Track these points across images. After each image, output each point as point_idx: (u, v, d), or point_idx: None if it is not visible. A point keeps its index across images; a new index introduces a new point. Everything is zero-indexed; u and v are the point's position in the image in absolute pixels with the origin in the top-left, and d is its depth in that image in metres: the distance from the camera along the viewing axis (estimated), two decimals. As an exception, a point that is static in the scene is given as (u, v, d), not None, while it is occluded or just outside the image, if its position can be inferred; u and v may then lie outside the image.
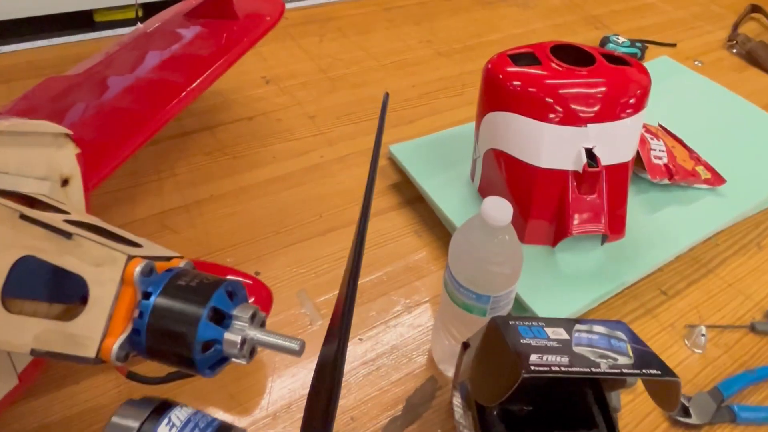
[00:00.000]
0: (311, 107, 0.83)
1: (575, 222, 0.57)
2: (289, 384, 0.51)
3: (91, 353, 0.26)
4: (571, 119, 0.55)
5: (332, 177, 0.72)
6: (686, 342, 0.56)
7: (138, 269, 0.27)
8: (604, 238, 0.60)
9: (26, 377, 0.38)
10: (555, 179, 0.57)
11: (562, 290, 0.56)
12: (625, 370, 0.35)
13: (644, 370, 0.35)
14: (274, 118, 0.80)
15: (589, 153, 0.56)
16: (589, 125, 0.55)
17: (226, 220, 0.65)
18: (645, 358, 0.36)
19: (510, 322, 0.40)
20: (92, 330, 0.27)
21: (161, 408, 0.25)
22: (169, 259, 0.29)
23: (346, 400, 0.50)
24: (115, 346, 0.26)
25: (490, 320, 0.40)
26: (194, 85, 0.52)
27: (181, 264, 0.29)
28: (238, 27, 0.62)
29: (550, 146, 0.56)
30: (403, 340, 0.55)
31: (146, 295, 0.27)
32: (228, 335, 0.26)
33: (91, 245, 0.27)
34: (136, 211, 0.65)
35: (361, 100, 0.85)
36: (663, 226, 0.64)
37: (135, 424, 0.25)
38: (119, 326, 0.27)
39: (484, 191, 0.65)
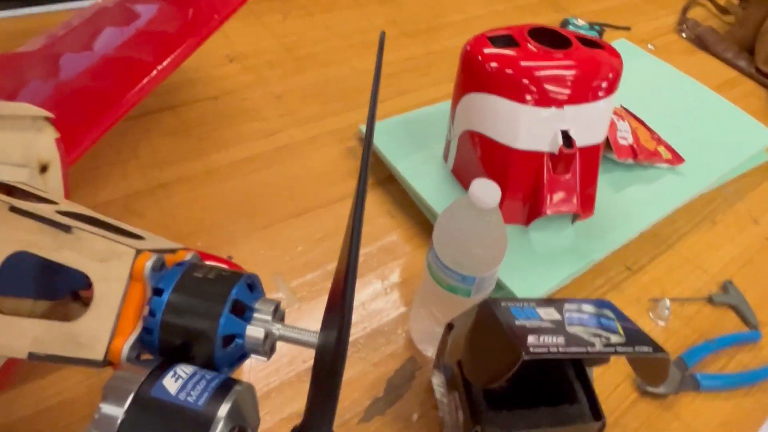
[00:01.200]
0: (278, 87, 0.81)
1: (550, 202, 0.58)
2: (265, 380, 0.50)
3: (99, 355, 0.25)
4: (549, 101, 0.56)
5: (303, 158, 0.71)
6: (650, 315, 0.59)
7: (149, 264, 0.25)
8: (575, 217, 0.62)
9: (3, 376, 0.36)
10: (530, 160, 0.58)
11: (537, 268, 0.58)
12: (618, 349, 0.36)
13: (636, 348, 0.36)
14: (239, 97, 0.77)
15: (565, 135, 0.57)
16: (566, 107, 0.56)
17: (195, 203, 0.63)
18: (635, 335, 0.38)
19: (502, 304, 0.41)
20: (99, 330, 0.25)
21: (163, 365, 0.24)
22: (174, 251, 0.28)
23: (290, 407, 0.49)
24: (126, 347, 0.25)
25: (482, 302, 0.41)
26: (166, 63, 0.50)
27: (188, 256, 0.27)
28: (205, 2, 0.59)
29: (527, 128, 0.57)
30: (380, 321, 0.55)
31: (158, 292, 0.25)
32: (251, 329, 0.25)
33: (93, 239, 0.26)
34: (98, 194, 0.62)
35: (328, 80, 0.84)
36: (628, 204, 0.67)
37: (138, 378, 0.23)
38: (128, 325, 0.25)
39: (458, 172, 0.66)
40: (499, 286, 0.56)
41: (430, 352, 0.53)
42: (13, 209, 0.26)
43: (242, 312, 0.26)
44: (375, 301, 0.57)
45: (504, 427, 0.41)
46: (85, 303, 0.28)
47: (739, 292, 0.61)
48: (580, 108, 0.57)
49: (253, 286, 0.27)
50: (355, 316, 0.55)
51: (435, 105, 0.77)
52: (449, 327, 0.47)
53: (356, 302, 0.57)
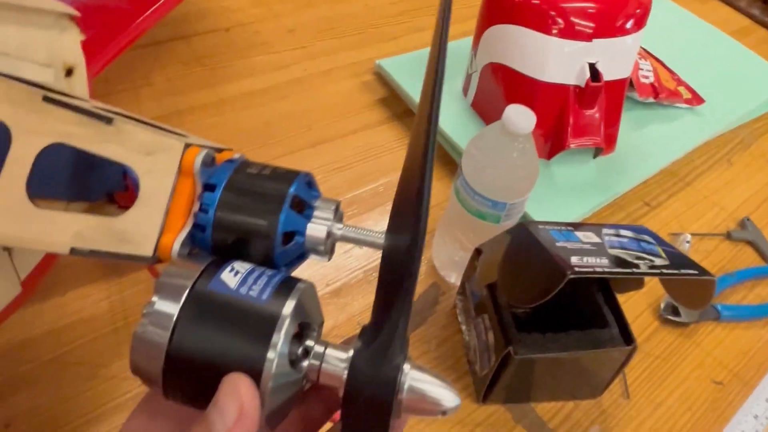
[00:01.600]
0: (289, 20, 0.78)
1: (574, 135, 0.57)
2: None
3: (148, 251, 0.24)
4: (577, 33, 0.54)
5: (317, 90, 0.69)
6: (670, 249, 0.59)
7: (199, 158, 0.24)
8: (597, 152, 0.61)
9: (29, 285, 0.36)
10: (556, 93, 0.57)
11: (560, 200, 0.57)
12: (664, 271, 0.36)
13: (682, 271, 0.36)
14: (251, 30, 0.75)
15: (592, 68, 0.56)
16: (594, 40, 0.55)
17: (209, 131, 0.61)
18: (678, 259, 0.38)
19: (539, 226, 0.40)
20: (146, 226, 0.24)
21: (217, 262, 0.22)
22: (220, 150, 0.26)
23: (351, 307, 0.50)
24: (177, 244, 0.23)
25: (519, 225, 0.41)
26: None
27: (236, 156, 0.26)
28: None
29: (555, 60, 0.55)
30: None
31: (209, 187, 0.24)
32: (312, 227, 0.24)
33: (137, 131, 0.24)
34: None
35: (340, 15, 0.81)
36: (648, 142, 0.66)
37: (193, 273, 0.21)
38: (178, 221, 0.24)
39: (478, 106, 0.64)
40: (523, 216, 0.56)
41: (453, 278, 0.53)
42: (48, 99, 0.24)
43: (301, 210, 0.24)
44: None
45: (535, 349, 0.42)
46: (121, 206, 0.27)
47: (757, 228, 0.61)
48: (609, 42, 0.56)
49: (311, 184, 0.25)
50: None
51: (453, 42, 0.75)
52: (478, 252, 0.47)
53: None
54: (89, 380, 0.43)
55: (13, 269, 0.34)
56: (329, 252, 0.25)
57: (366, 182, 0.60)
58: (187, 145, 0.25)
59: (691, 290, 0.38)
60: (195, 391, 0.20)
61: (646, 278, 0.46)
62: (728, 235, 0.61)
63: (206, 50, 0.70)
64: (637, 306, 0.53)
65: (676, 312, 0.52)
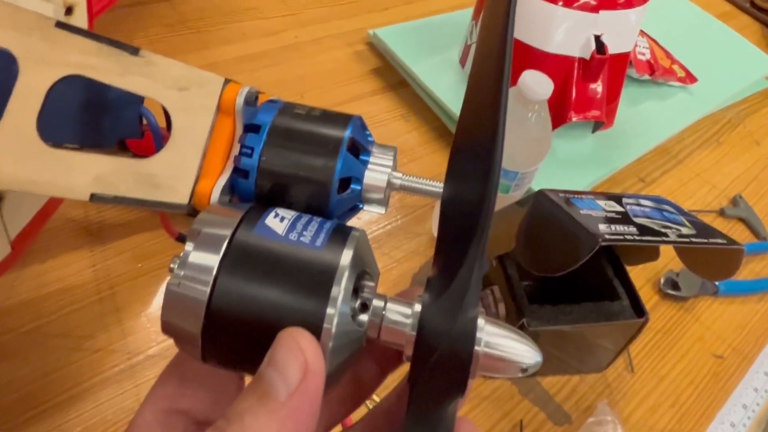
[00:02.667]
0: (278, -16, 0.74)
1: (577, 108, 0.57)
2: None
3: (183, 198, 0.21)
4: (583, 5, 0.53)
5: (310, 58, 0.67)
6: (666, 226, 0.60)
7: (242, 95, 0.21)
8: (596, 127, 0.61)
9: (19, 246, 0.33)
10: (561, 65, 0.56)
11: (560, 174, 0.57)
12: (693, 240, 0.35)
13: (710, 240, 0.36)
14: (238, -7, 0.71)
15: (598, 40, 0.55)
16: (600, 12, 0.54)
17: (199, 100, 0.58)
18: (704, 228, 0.37)
19: (560, 194, 0.39)
20: (181, 170, 0.21)
21: (257, 208, 0.19)
22: (257, 92, 0.24)
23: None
24: (216, 190, 0.21)
25: (539, 193, 0.40)
26: None
27: (276, 98, 0.23)
28: None
29: (561, 31, 0.54)
30: (400, 221, 0.53)
31: (254, 128, 0.21)
32: (371, 174, 0.21)
33: (168, 63, 0.22)
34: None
35: (332, -19, 0.78)
36: (643, 118, 0.66)
37: (233, 218, 0.18)
38: (216, 166, 0.21)
39: (479, 77, 0.63)
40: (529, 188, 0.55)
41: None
42: (62, 25, 0.21)
43: (357, 155, 0.21)
44: (392, 199, 0.55)
45: (548, 320, 0.41)
46: (136, 154, 0.24)
47: (748, 205, 0.62)
48: (614, 14, 0.55)
49: (365, 128, 0.22)
50: (373, 215, 0.53)
51: (448, 14, 0.74)
52: (487, 223, 0.45)
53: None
54: (73, 353, 0.40)
55: (2, 227, 0.31)
56: (385, 202, 0.22)
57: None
58: (228, 80, 0.22)
59: (715, 260, 0.38)
60: (240, 352, 0.18)
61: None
62: (721, 212, 0.62)
63: (191, 13, 0.66)
64: (637, 281, 0.53)
65: (675, 286, 0.52)
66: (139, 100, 0.27)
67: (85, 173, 0.21)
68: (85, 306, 0.42)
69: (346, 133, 0.21)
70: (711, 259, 0.38)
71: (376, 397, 0.38)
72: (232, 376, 0.21)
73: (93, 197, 0.21)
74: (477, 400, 0.43)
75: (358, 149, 0.22)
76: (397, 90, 0.66)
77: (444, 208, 0.21)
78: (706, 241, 0.35)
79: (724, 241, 0.36)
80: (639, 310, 0.42)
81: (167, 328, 0.18)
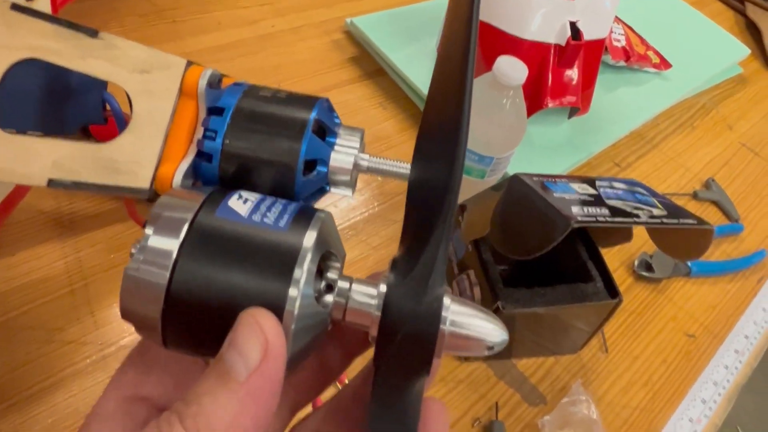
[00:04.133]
0: (253, -28, 0.74)
1: (552, 94, 0.57)
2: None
3: (144, 183, 0.21)
4: (559, -13, 0.54)
5: (287, 48, 0.66)
6: (640, 210, 0.60)
7: (204, 77, 0.21)
8: (572, 113, 0.61)
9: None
10: (537, 52, 0.56)
11: (536, 160, 0.57)
12: (665, 221, 0.36)
13: (681, 220, 0.36)
14: (213, -19, 0.70)
15: (573, 26, 0.55)
16: (575, -1, 0.54)
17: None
18: (675, 209, 0.38)
19: (534, 178, 0.39)
20: (141, 154, 0.21)
21: (221, 191, 0.19)
22: (222, 76, 0.24)
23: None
24: (178, 174, 0.20)
25: (513, 177, 0.40)
26: None
27: (242, 81, 0.23)
28: None
29: (538, 17, 0.55)
30: (377, 208, 0.54)
31: (217, 111, 0.21)
32: (336, 157, 0.21)
33: (129, 46, 0.22)
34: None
35: (308, -31, 0.77)
36: (618, 104, 0.67)
37: (195, 200, 0.18)
38: (179, 150, 0.21)
39: (455, 64, 0.63)
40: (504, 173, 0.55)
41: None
42: (18, 7, 0.21)
43: (323, 137, 0.22)
44: (370, 186, 0.55)
45: (523, 303, 0.41)
46: (99, 140, 0.24)
47: (721, 188, 0.63)
48: (590, 1, 0.56)
49: (332, 109, 0.22)
50: (351, 202, 0.53)
51: (426, 2, 0.74)
52: (462, 208, 0.46)
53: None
54: (43, 345, 0.39)
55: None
56: (353, 185, 0.22)
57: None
58: (190, 63, 0.22)
59: (686, 241, 0.38)
60: (202, 336, 0.17)
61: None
62: (694, 195, 0.63)
63: (166, 3, 0.66)
64: (611, 263, 0.54)
65: (649, 268, 0.53)
66: (102, 84, 0.27)
67: (43, 159, 0.21)
68: (57, 298, 0.42)
69: (312, 115, 0.21)
70: (682, 240, 0.39)
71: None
72: (197, 362, 0.21)
73: (51, 183, 0.21)
74: (453, 383, 0.44)
75: (325, 131, 0.22)
76: (375, 78, 0.66)
77: (411, 189, 0.21)
78: (677, 221, 0.36)
79: (695, 222, 0.36)
80: (613, 291, 0.43)
81: (127, 314, 0.18)
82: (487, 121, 0.44)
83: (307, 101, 0.21)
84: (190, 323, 0.17)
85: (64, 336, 0.40)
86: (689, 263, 0.54)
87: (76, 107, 0.26)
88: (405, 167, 0.22)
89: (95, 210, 0.47)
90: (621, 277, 0.53)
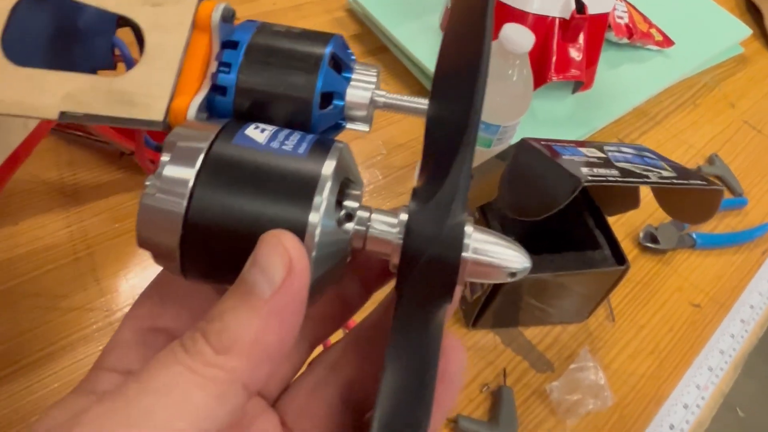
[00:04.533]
0: (253, -51, 0.73)
1: (557, 68, 0.57)
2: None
3: (158, 115, 0.20)
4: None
5: (289, 24, 0.66)
6: (644, 184, 0.60)
7: (218, 11, 0.20)
8: (576, 88, 0.61)
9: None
10: (541, 25, 0.56)
11: (541, 133, 0.56)
12: (675, 181, 0.36)
13: (691, 182, 0.36)
14: (212, -45, 0.70)
15: (577, 0, 0.55)
16: (580, -31, 0.54)
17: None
18: (684, 171, 0.38)
19: (542, 142, 0.39)
20: (155, 86, 0.20)
21: (238, 123, 0.19)
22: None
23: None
24: (193, 107, 0.20)
25: (522, 141, 0.40)
26: None
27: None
28: None
29: (540, -11, 0.55)
30: (384, 179, 0.53)
31: (232, 44, 0.20)
32: (353, 91, 0.21)
33: (139, -22, 0.21)
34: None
35: (308, -54, 0.76)
36: (622, 81, 0.67)
37: (209, 133, 0.18)
38: (193, 84, 0.21)
39: (458, 39, 0.63)
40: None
41: (437, 208, 0.52)
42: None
43: (339, 72, 0.21)
44: (375, 158, 0.55)
45: (531, 269, 0.41)
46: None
47: (724, 164, 0.63)
48: (592, -28, 0.55)
49: (347, 46, 0.22)
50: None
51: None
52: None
53: (357, 162, 0.54)
54: (48, 312, 0.39)
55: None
56: (369, 120, 0.22)
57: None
58: None
59: (694, 203, 0.38)
60: (222, 264, 0.17)
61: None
62: (699, 170, 0.63)
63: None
64: (617, 235, 0.54)
65: (654, 240, 0.53)
66: (111, 29, 0.26)
67: (55, 91, 0.21)
68: (61, 266, 0.41)
69: (328, 49, 0.20)
70: (690, 202, 0.38)
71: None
72: (214, 298, 0.21)
73: (63, 115, 0.21)
74: (461, 351, 0.43)
75: (341, 66, 0.21)
76: (378, 55, 0.66)
77: (429, 124, 0.20)
78: (686, 182, 0.36)
79: (704, 183, 0.36)
80: (620, 258, 0.43)
81: (144, 243, 0.17)
82: (494, 89, 0.44)
83: (322, 36, 0.21)
84: (210, 251, 0.17)
85: (69, 303, 0.40)
86: (694, 235, 0.54)
87: (85, 51, 0.25)
88: (423, 102, 0.22)
89: (99, 180, 0.46)
90: (626, 249, 0.52)
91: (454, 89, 0.19)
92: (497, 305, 0.43)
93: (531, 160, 0.38)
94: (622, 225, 0.55)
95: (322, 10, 0.69)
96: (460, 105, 0.18)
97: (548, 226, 0.46)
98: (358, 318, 0.22)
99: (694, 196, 0.39)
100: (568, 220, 0.46)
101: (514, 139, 0.54)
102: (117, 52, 0.27)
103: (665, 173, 0.37)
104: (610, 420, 0.41)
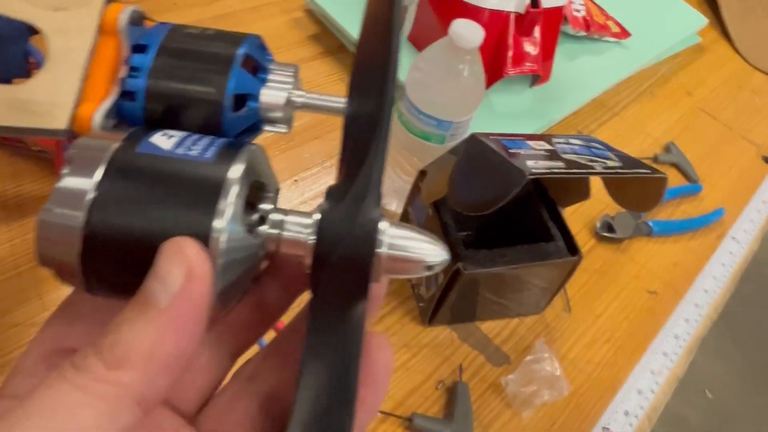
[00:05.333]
0: (208, -49, 0.72)
1: (513, 62, 0.57)
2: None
3: (61, 123, 0.19)
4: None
5: (245, 28, 0.65)
6: (603, 175, 0.61)
7: (124, 15, 0.20)
8: (534, 81, 0.61)
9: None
10: (496, 20, 0.56)
11: (499, 128, 0.56)
12: (619, 171, 0.36)
13: (635, 170, 0.36)
14: (166, -39, 0.69)
15: (532, -8, 0.56)
16: (533, -36, 0.55)
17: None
18: (629, 160, 0.38)
19: (491, 137, 0.39)
20: (58, 93, 0.20)
21: (144, 130, 0.19)
22: (150, 19, 0.23)
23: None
24: (98, 114, 0.19)
25: (471, 136, 0.40)
26: None
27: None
28: None
29: (495, -15, 0.55)
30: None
31: (140, 48, 0.20)
32: (267, 92, 0.21)
33: (44, -16, 0.21)
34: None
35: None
36: (580, 73, 0.67)
37: (112, 143, 0.17)
38: (100, 89, 0.20)
39: (416, 38, 0.63)
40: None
41: (393, 206, 0.52)
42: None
43: (254, 73, 0.21)
44: (333, 159, 0.55)
45: (484, 264, 0.41)
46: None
47: (680, 151, 0.64)
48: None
49: (264, 48, 0.22)
50: (313, 174, 0.53)
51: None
52: (422, 173, 0.46)
53: (313, 162, 0.54)
54: (-13, 328, 0.38)
55: None
56: (288, 122, 0.22)
57: (299, 116, 0.57)
58: (109, 0, 0.21)
59: (641, 191, 0.39)
60: (127, 277, 0.16)
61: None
62: (655, 158, 0.63)
63: (118, -20, 0.64)
64: (574, 226, 0.54)
65: (611, 229, 0.54)
66: (24, 36, 0.26)
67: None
68: (2, 281, 0.41)
69: (240, 50, 0.20)
70: (637, 190, 0.39)
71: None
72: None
73: None
74: (417, 348, 0.44)
75: (256, 67, 0.21)
76: (336, 55, 0.66)
77: (346, 123, 0.20)
78: (631, 171, 0.36)
79: (649, 171, 0.37)
80: (573, 249, 0.43)
81: (45, 261, 0.17)
82: (446, 85, 0.44)
83: (236, 37, 0.21)
84: (113, 264, 0.17)
85: (11, 319, 0.39)
86: (650, 223, 0.55)
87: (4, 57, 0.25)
88: (341, 101, 0.22)
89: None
90: (584, 239, 0.54)
91: (368, 85, 0.19)
92: (453, 301, 0.43)
93: (479, 155, 0.39)
94: (580, 215, 0.55)
95: (280, 11, 0.69)
96: (373, 100, 0.18)
97: (503, 219, 0.46)
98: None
99: (640, 184, 0.39)
100: (523, 213, 0.47)
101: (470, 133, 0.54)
102: (32, 60, 0.27)
103: (611, 163, 0.38)
104: (566, 409, 0.42)
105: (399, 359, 0.42)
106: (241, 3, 0.68)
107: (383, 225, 0.17)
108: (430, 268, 0.18)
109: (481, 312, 0.46)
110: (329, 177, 0.53)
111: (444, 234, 0.43)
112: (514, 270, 0.42)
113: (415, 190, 0.47)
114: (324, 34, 0.67)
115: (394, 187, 0.51)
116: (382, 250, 0.17)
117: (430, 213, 0.45)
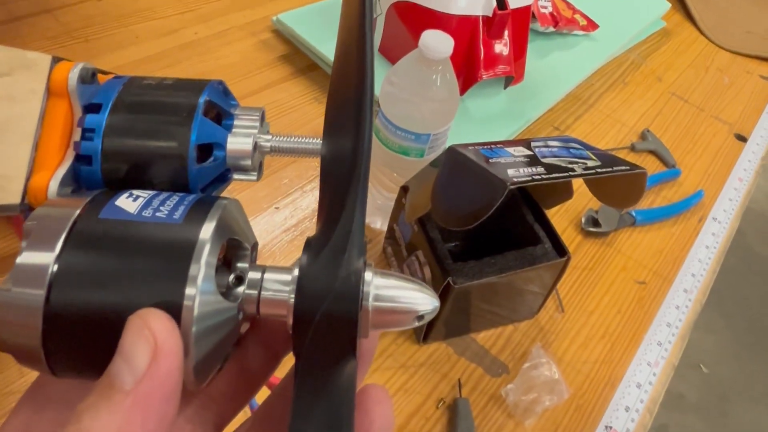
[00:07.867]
0: (169, -19, 0.72)
1: (485, 66, 0.57)
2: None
3: (14, 198, 0.19)
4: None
5: (212, 53, 0.65)
6: (583, 169, 0.61)
7: (74, 73, 0.19)
8: (507, 83, 0.62)
9: None
10: (465, 26, 0.57)
11: (477, 132, 0.57)
12: (599, 170, 0.36)
13: (615, 168, 0.37)
14: (128, -5, 0.68)
15: (499, -5, 0.56)
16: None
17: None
18: (608, 159, 0.38)
19: (469, 148, 0.39)
20: (8, 166, 0.19)
21: (108, 193, 0.18)
22: (105, 73, 0.22)
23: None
24: (54, 183, 0.19)
25: (449, 149, 0.40)
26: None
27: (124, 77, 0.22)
28: None
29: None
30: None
31: (93, 108, 0.19)
32: (234, 139, 0.20)
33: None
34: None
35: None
36: (552, 69, 0.68)
37: (74, 207, 0.16)
38: (54, 156, 0.19)
39: (386, 49, 0.63)
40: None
41: (378, 224, 0.52)
42: None
43: (219, 121, 0.20)
44: (313, 182, 0.54)
45: (474, 275, 0.42)
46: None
47: (656, 138, 0.65)
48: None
49: (228, 93, 0.21)
50: (294, 200, 0.52)
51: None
52: (404, 189, 0.46)
53: (293, 187, 0.54)
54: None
55: None
56: (257, 169, 0.21)
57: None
58: (57, 59, 0.21)
59: (623, 188, 0.39)
60: (94, 357, 0.15)
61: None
62: (632, 147, 0.64)
63: (76, 22, 0.63)
64: (559, 224, 0.55)
65: (596, 223, 0.54)
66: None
67: None
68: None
69: (201, 98, 0.19)
70: (619, 187, 0.39)
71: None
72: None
73: None
74: (414, 368, 0.44)
75: (220, 114, 0.20)
76: (308, 74, 0.65)
77: (323, 165, 0.19)
78: (610, 169, 0.37)
79: (628, 167, 0.37)
80: (561, 250, 0.44)
81: (4, 346, 0.16)
82: (420, 98, 0.44)
83: (197, 84, 0.20)
84: (78, 344, 0.16)
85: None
86: (633, 213, 0.55)
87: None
88: (315, 142, 0.21)
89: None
90: (570, 236, 0.54)
91: (343, 123, 0.18)
92: (446, 315, 0.43)
93: (459, 168, 0.39)
94: (565, 212, 0.56)
95: (246, 34, 0.68)
96: (350, 140, 0.17)
97: (489, 227, 0.46)
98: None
99: (621, 181, 0.40)
100: (508, 218, 0.47)
101: (450, 143, 0.54)
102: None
103: (590, 163, 0.38)
104: (568, 412, 0.42)
105: (397, 381, 0.42)
106: (207, 29, 0.68)
107: (368, 276, 0.17)
108: (420, 317, 0.17)
109: (475, 323, 0.46)
110: (310, 200, 0.53)
111: (431, 249, 0.43)
112: (504, 278, 0.42)
113: (399, 206, 0.47)
114: (294, 53, 0.67)
115: (377, 205, 0.51)
116: (369, 302, 0.16)
117: (415, 229, 0.45)
